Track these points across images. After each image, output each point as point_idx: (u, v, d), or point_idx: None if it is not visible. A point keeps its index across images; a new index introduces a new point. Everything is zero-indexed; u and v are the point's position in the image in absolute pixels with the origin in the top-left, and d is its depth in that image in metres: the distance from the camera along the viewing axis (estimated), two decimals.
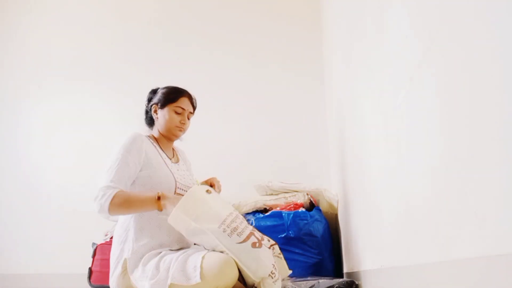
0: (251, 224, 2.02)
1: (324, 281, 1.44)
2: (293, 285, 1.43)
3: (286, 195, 2.18)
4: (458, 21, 0.59)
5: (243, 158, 2.83)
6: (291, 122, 2.87)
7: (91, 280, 1.96)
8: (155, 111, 1.67)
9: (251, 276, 1.29)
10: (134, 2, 3.38)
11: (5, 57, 3.47)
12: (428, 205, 0.73)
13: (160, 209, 1.39)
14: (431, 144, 0.70)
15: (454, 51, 0.60)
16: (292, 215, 1.99)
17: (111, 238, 2.02)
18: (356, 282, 1.51)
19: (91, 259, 2.02)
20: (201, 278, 1.22)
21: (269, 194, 2.26)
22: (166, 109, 1.65)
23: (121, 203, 1.40)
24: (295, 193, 2.18)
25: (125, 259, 1.42)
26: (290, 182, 2.27)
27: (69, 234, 2.89)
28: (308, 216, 2.00)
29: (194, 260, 1.27)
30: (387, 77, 0.97)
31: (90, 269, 1.99)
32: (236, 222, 1.34)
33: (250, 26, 3.13)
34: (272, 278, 1.31)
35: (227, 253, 1.28)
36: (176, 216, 1.31)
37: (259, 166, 2.76)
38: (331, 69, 2.38)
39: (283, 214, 2.00)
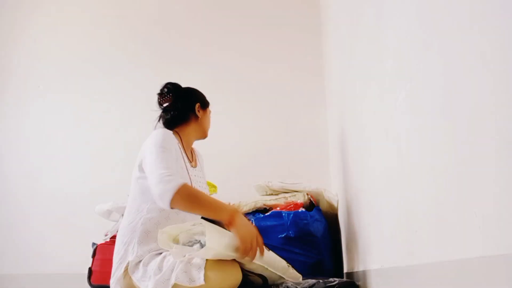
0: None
1: (324, 281, 1.44)
2: (293, 285, 1.43)
3: (286, 195, 2.17)
4: (459, 21, 0.59)
5: (243, 158, 2.83)
6: (291, 122, 2.88)
7: (91, 280, 1.96)
8: (198, 110, 1.65)
9: (281, 274, 1.39)
10: (136, 1, 3.39)
11: (5, 57, 3.47)
12: (428, 205, 0.73)
13: (230, 223, 1.26)
14: (431, 144, 0.70)
15: (455, 50, 0.60)
16: (292, 215, 1.99)
17: (111, 238, 2.02)
18: (356, 282, 1.51)
19: (91, 259, 2.02)
20: (205, 280, 1.22)
21: (269, 194, 2.26)
22: (207, 111, 1.70)
23: (188, 195, 1.28)
24: (295, 193, 2.17)
25: (128, 262, 1.40)
26: (290, 182, 2.26)
27: (69, 234, 2.89)
28: (308, 216, 2.00)
29: (198, 261, 1.27)
30: (387, 77, 0.97)
31: (90, 269, 1.98)
32: None
33: (252, 27, 3.13)
34: (290, 267, 1.43)
35: (261, 265, 1.32)
36: (212, 250, 1.23)
37: (259, 166, 2.76)
38: (331, 69, 2.38)
39: (283, 214, 2.00)
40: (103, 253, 1.99)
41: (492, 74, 0.49)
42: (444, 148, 0.64)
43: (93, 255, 2.02)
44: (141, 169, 1.47)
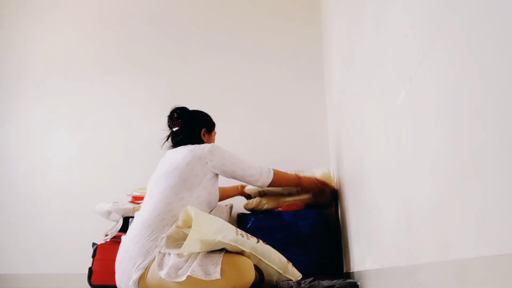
0: (252, 225, 2.03)
1: (324, 281, 1.44)
2: (294, 284, 1.44)
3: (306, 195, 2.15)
4: (459, 21, 0.59)
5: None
6: (291, 122, 2.88)
7: (91, 280, 1.96)
8: (204, 135, 1.89)
9: (276, 268, 1.41)
10: (133, 2, 3.39)
11: (4, 58, 3.47)
12: (428, 205, 0.73)
13: (299, 184, 1.96)
14: (431, 144, 0.70)
15: (455, 50, 0.60)
16: (292, 215, 1.99)
17: (112, 238, 2.02)
18: (356, 282, 1.51)
19: (91, 259, 2.02)
20: (221, 274, 1.24)
21: (264, 195, 2.23)
22: (212, 134, 1.94)
23: (280, 176, 1.88)
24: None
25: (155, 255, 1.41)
26: None
27: (69, 234, 2.89)
28: (308, 215, 2.00)
29: (215, 257, 1.29)
30: (387, 77, 0.97)
31: (90, 268, 1.98)
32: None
33: (250, 25, 3.13)
34: (290, 264, 1.50)
35: (253, 254, 1.38)
36: (194, 240, 1.30)
37: None
38: (331, 68, 2.38)
39: (283, 214, 2.00)
40: (103, 253, 1.99)
41: (493, 73, 0.49)
42: (444, 148, 0.64)
43: (94, 255, 2.02)
44: (188, 164, 1.66)
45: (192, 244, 1.28)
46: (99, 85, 3.21)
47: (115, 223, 2.10)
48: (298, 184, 1.97)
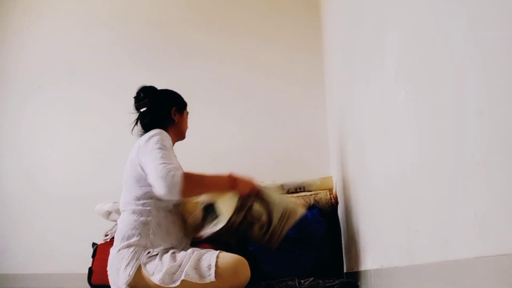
0: None
1: (324, 281, 1.44)
2: (293, 284, 1.43)
3: (307, 193, 2.16)
4: (459, 20, 0.59)
5: (243, 158, 2.83)
6: (291, 122, 2.88)
7: (91, 280, 1.96)
8: (175, 114, 1.65)
9: (285, 203, 1.46)
10: (134, 2, 3.39)
11: (5, 57, 3.47)
12: (428, 205, 0.73)
13: (233, 187, 1.42)
14: (431, 144, 0.70)
15: (454, 51, 0.60)
16: None
17: (112, 238, 2.02)
18: (357, 282, 1.51)
19: (91, 259, 2.02)
20: (216, 277, 1.23)
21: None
22: (184, 114, 1.69)
23: (194, 180, 1.33)
24: (318, 191, 2.15)
25: (141, 259, 1.37)
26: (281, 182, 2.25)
27: (69, 234, 2.89)
28: (308, 216, 1.99)
29: (208, 259, 1.28)
30: (387, 76, 0.97)
31: (90, 268, 1.98)
32: None
33: (250, 26, 3.13)
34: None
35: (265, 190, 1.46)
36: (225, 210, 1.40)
37: (259, 167, 2.76)
38: (331, 69, 2.38)
39: None
40: (103, 253, 1.98)
41: (493, 73, 0.49)
42: (443, 148, 0.64)
43: (94, 255, 2.02)
44: (139, 167, 1.45)
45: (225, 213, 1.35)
46: (99, 85, 3.21)
47: (115, 223, 2.10)
48: (232, 186, 1.44)
